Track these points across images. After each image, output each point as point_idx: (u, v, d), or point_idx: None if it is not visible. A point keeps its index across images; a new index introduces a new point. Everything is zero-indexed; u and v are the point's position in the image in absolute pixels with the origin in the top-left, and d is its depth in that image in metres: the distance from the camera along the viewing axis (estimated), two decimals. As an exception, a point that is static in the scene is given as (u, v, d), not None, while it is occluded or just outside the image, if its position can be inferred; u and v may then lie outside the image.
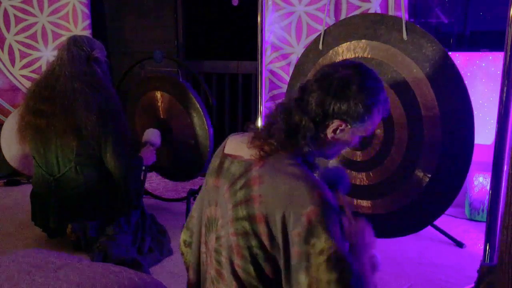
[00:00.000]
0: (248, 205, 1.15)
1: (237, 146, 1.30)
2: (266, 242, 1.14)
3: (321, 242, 1.06)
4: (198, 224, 1.40)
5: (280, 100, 1.34)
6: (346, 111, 1.20)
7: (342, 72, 1.22)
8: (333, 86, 1.21)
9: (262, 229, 1.13)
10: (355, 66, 1.25)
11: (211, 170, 1.33)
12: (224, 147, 1.33)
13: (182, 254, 1.51)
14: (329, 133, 1.24)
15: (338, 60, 2.26)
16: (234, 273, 1.18)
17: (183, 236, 1.50)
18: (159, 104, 3.14)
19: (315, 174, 1.21)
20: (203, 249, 1.35)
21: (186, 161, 3.10)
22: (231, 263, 1.19)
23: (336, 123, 1.22)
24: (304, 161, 1.22)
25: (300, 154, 1.22)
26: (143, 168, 2.80)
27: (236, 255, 1.17)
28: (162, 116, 3.15)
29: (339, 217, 1.12)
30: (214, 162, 1.33)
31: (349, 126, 1.23)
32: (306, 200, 1.08)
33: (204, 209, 1.34)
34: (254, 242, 1.15)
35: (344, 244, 1.10)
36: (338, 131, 1.24)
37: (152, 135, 2.89)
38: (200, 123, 2.96)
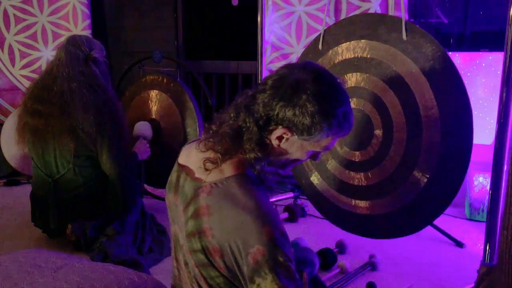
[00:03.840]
0: (201, 238, 1.09)
1: (188, 154, 1.24)
2: (225, 273, 1.10)
3: (267, 283, 1.01)
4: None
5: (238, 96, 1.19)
6: (291, 119, 1.07)
7: (297, 75, 1.08)
8: (283, 88, 1.07)
9: (218, 261, 1.09)
10: (314, 72, 1.10)
11: (170, 184, 1.27)
12: (179, 156, 1.28)
13: None
14: (273, 139, 1.12)
15: (337, 61, 2.26)
16: None
17: None
18: (152, 104, 3.13)
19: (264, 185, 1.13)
20: (174, 263, 1.33)
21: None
22: None
23: (280, 130, 1.10)
24: (254, 172, 1.13)
25: (248, 162, 1.12)
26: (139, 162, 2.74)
27: (204, 285, 1.15)
28: (154, 116, 3.14)
29: (287, 256, 1.03)
30: (172, 175, 1.27)
31: (296, 137, 1.11)
32: (254, 239, 1.02)
33: (171, 224, 1.30)
34: (214, 273, 1.11)
35: (289, 285, 1.02)
36: (283, 140, 1.12)
37: (143, 128, 2.84)
38: (192, 123, 2.94)
